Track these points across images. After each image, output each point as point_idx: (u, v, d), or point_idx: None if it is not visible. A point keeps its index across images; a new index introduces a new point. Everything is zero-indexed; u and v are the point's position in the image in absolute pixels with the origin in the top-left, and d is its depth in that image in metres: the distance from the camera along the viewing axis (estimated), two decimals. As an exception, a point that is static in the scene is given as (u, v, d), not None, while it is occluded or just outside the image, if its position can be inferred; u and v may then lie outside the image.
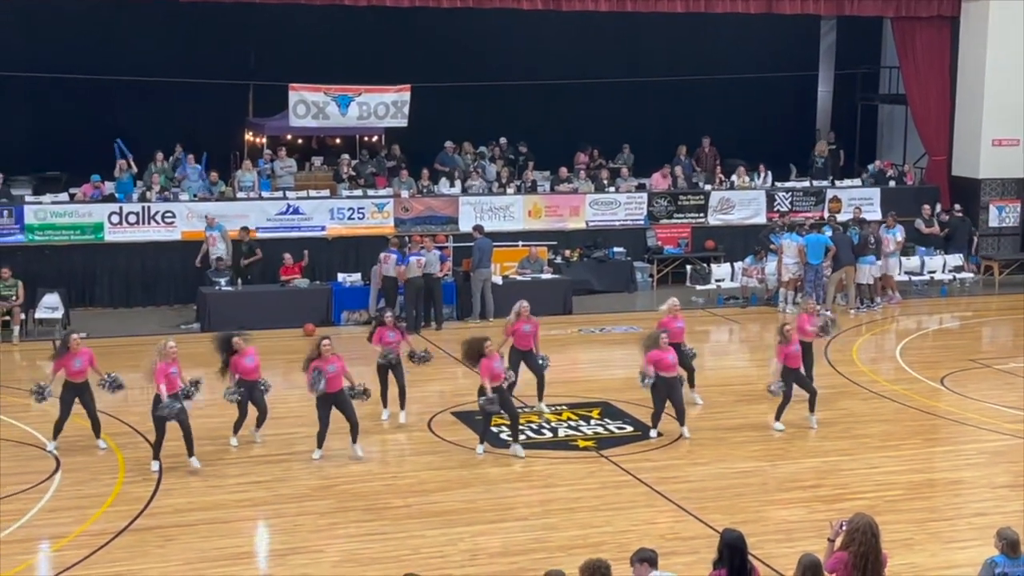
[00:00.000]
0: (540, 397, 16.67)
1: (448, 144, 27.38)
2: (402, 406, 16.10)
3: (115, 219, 23.40)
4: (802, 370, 16.05)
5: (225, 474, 13.98)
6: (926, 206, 26.90)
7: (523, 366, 16.42)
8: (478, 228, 23.41)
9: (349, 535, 12.19)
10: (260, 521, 12.85)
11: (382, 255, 22.22)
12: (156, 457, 14.12)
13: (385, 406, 16.16)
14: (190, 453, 14.11)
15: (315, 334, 20.67)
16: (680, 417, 15.47)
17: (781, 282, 23.93)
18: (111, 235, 23.39)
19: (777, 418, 15.83)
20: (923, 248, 26.44)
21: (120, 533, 12.14)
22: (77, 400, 14.68)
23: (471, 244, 23.19)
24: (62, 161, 26.21)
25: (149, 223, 23.52)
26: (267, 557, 11.98)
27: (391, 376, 16.03)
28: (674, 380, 15.38)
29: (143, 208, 23.55)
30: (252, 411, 15.06)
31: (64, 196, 24.02)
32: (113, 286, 23.58)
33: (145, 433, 15.23)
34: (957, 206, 27.10)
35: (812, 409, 15.94)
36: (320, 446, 14.55)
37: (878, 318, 23.60)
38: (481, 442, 14.90)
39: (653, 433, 15.44)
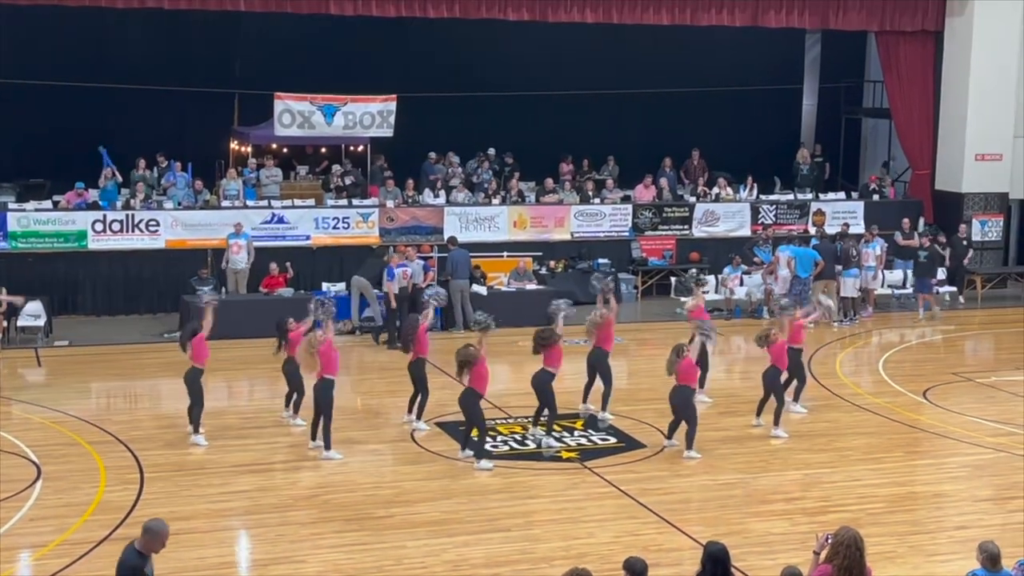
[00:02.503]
0: (604, 406, 16.79)
1: (432, 155, 27.40)
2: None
3: (99, 227, 23.34)
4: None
5: (207, 484, 13.91)
6: (906, 220, 26.99)
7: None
8: (452, 240, 23.50)
9: (331, 545, 12.14)
10: (241, 531, 12.81)
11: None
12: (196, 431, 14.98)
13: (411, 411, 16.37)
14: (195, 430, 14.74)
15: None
16: (672, 428, 15.37)
17: (770, 294, 23.90)
18: (94, 243, 23.33)
19: (776, 424, 16.03)
20: (901, 261, 26.48)
21: (101, 542, 12.06)
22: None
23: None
24: (46, 168, 26.14)
25: (133, 231, 23.47)
26: (249, 567, 11.92)
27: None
28: (686, 389, 15.11)
29: (127, 216, 23.49)
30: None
31: (48, 203, 23.95)
32: (96, 294, 23.53)
33: (127, 442, 15.19)
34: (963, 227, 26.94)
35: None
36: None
37: (860, 331, 23.65)
38: (479, 457, 14.61)
39: (678, 445, 15.31)
